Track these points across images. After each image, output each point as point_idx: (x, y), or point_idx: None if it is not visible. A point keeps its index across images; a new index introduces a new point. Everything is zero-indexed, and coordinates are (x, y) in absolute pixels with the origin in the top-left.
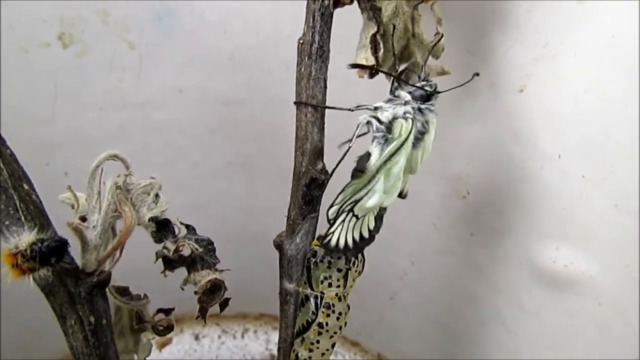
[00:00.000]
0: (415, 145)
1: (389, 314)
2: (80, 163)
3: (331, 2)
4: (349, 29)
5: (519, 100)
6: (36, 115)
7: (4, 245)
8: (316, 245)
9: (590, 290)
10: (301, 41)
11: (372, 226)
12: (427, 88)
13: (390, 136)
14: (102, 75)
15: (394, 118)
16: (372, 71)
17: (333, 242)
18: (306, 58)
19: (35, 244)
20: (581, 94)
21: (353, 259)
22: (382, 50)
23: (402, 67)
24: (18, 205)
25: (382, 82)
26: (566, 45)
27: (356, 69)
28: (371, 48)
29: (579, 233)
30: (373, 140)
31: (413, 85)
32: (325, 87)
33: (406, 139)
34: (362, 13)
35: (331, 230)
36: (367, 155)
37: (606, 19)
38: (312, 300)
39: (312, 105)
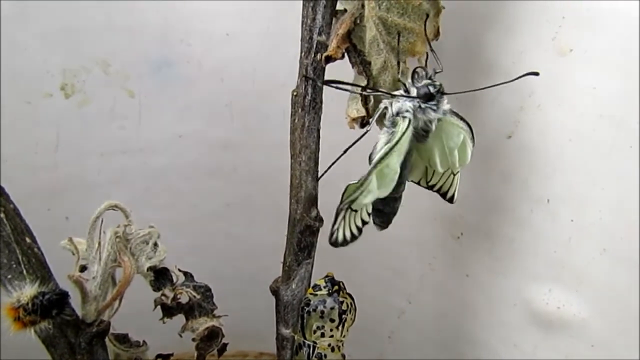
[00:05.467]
0: (421, 141)
1: (387, 353)
2: (81, 208)
3: (323, 57)
4: (341, 78)
5: (507, 145)
6: (38, 163)
7: (6, 299)
8: (311, 294)
9: (583, 332)
10: (295, 93)
11: (369, 210)
12: (431, 88)
13: (394, 130)
14: (103, 123)
15: (398, 113)
16: (363, 122)
17: (340, 238)
18: (300, 109)
19: (36, 297)
20: (566, 142)
21: (348, 307)
22: (372, 102)
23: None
24: (20, 259)
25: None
26: (550, 95)
27: (347, 120)
28: (362, 100)
29: (569, 276)
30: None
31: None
32: (319, 137)
33: (397, 142)
34: (352, 67)
35: (335, 227)
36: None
37: (587, 71)
38: (304, 349)
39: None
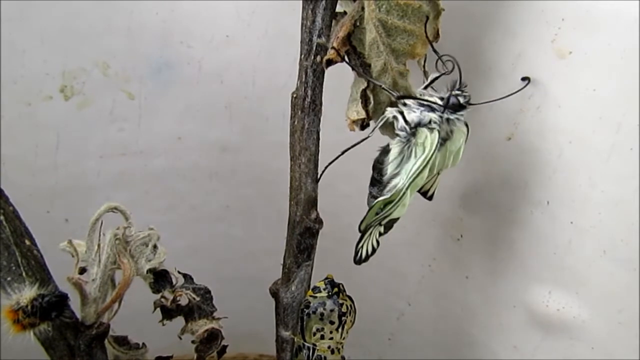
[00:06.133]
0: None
1: (387, 355)
2: (81, 210)
3: (323, 60)
4: (341, 80)
5: (507, 147)
6: (37, 164)
7: (6, 301)
8: (310, 296)
9: (583, 334)
10: (294, 95)
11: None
12: (461, 98)
13: (413, 140)
14: (103, 125)
15: (419, 124)
16: (363, 124)
17: (364, 255)
18: (299, 112)
19: (36, 299)
20: (566, 144)
21: (347, 310)
22: (372, 104)
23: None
24: (20, 262)
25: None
26: (549, 97)
27: (347, 122)
28: (362, 102)
29: (569, 278)
30: (395, 137)
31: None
32: (318, 138)
33: (433, 154)
34: (352, 70)
35: (360, 245)
36: (387, 150)
37: (586, 73)
38: (304, 351)
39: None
